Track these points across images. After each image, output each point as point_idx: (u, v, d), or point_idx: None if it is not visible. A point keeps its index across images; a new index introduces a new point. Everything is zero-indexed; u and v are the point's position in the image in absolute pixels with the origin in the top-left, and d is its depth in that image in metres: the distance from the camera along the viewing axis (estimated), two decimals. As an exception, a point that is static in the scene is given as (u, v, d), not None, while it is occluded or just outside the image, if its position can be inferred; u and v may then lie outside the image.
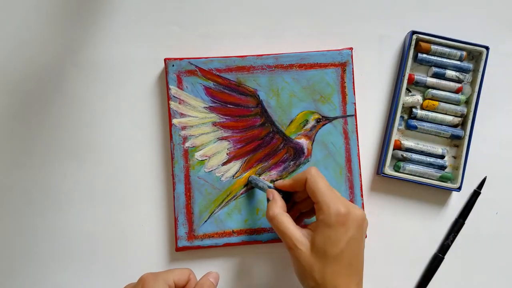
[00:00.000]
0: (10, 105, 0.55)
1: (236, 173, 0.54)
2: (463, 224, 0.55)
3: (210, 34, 0.56)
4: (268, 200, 0.49)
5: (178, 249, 0.53)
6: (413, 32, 0.54)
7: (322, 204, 0.45)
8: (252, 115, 0.54)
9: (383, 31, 0.57)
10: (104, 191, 0.55)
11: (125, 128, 0.55)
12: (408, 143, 0.55)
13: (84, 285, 0.54)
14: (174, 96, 0.54)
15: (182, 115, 0.54)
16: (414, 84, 0.56)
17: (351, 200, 0.54)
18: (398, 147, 0.55)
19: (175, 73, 0.54)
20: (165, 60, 0.54)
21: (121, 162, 0.55)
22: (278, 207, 0.47)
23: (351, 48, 0.54)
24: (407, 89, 0.56)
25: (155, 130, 0.55)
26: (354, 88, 0.54)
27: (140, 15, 0.56)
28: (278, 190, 0.49)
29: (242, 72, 0.54)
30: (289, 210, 0.49)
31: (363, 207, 0.54)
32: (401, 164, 0.55)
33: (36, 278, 0.54)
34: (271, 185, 0.50)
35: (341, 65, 0.54)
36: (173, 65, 0.54)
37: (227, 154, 0.54)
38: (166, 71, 0.54)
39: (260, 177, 0.54)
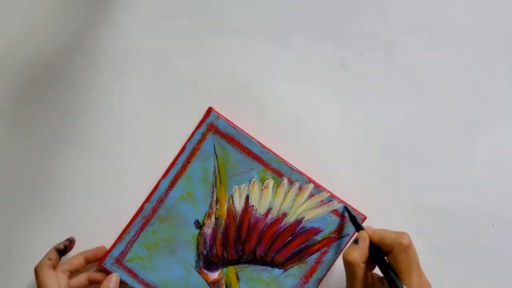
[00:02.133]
0: (14, 89, 0.55)
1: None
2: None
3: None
4: (356, 241, 0.47)
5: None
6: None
7: (408, 280, 0.44)
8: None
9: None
10: (104, 191, 0.54)
11: (127, 125, 0.55)
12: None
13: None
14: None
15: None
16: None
17: None
18: None
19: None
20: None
21: (120, 158, 0.54)
22: (362, 255, 0.46)
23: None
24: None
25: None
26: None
27: (152, 9, 0.56)
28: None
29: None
30: None
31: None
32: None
33: (32, 264, 0.50)
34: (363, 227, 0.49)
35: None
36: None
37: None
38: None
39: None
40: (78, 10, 0.55)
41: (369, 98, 0.57)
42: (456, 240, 0.56)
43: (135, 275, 0.51)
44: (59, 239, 0.52)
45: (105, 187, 0.54)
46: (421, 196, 0.56)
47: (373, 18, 0.58)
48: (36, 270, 0.48)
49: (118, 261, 0.51)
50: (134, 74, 0.55)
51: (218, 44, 0.56)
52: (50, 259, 0.49)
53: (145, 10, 0.55)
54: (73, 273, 0.50)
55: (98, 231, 0.53)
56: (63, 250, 0.50)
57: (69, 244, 0.51)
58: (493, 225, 0.56)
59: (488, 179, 0.57)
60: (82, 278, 0.51)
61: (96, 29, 0.55)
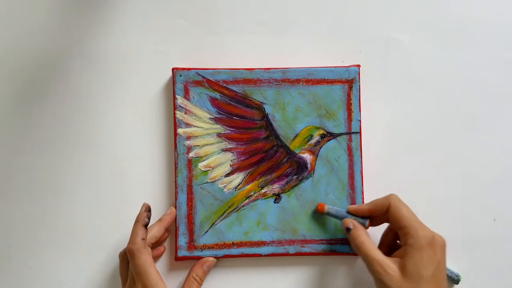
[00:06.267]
0: (14, 91, 0.55)
1: (238, 185, 0.54)
2: None
3: (219, 42, 0.56)
4: (348, 229, 0.49)
5: (177, 258, 0.53)
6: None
7: (410, 229, 0.46)
8: (257, 128, 0.55)
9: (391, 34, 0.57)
10: (105, 191, 0.55)
11: (129, 130, 0.56)
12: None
13: (82, 275, 0.55)
14: (180, 106, 0.54)
15: (187, 125, 0.54)
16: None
17: None
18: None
19: (182, 83, 0.54)
20: (172, 69, 0.54)
21: (122, 165, 0.55)
22: (364, 234, 0.48)
23: (358, 66, 0.54)
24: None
25: (159, 137, 0.56)
26: (360, 106, 0.54)
27: (150, 10, 0.56)
28: (355, 216, 0.51)
29: (249, 84, 0.54)
30: None
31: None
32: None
33: (33, 265, 0.55)
34: (346, 214, 0.51)
35: (348, 82, 0.54)
36: (180, 75, 0.54)
37: (230, 165, 0.54)
38: (173, 80, 0.54)
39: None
40: (77, 11, 0.55)
41: (368, 95, 0.56)
42: (457, 235, 0.55)
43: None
44: (59, 239, 0.55)
45: (106, 188, 0.55)
46: (422, 192, 0.56)
47: (372, 15, 0.56)
48: (133, 253, 0.46)
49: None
50: (134, 75, 0.55)
51: (218, 44, 0.56)
52: (144, 239, 0.47)
53: (145, 10, 0.55)
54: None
55: (99, 231, 0.55)
56: (148, 223, 0.48)
57: (150, 214, 0.49)
58: (494, 220, 0.56)
59: (489, 174, 0.56)
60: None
61: (96, 30, 0.55)
